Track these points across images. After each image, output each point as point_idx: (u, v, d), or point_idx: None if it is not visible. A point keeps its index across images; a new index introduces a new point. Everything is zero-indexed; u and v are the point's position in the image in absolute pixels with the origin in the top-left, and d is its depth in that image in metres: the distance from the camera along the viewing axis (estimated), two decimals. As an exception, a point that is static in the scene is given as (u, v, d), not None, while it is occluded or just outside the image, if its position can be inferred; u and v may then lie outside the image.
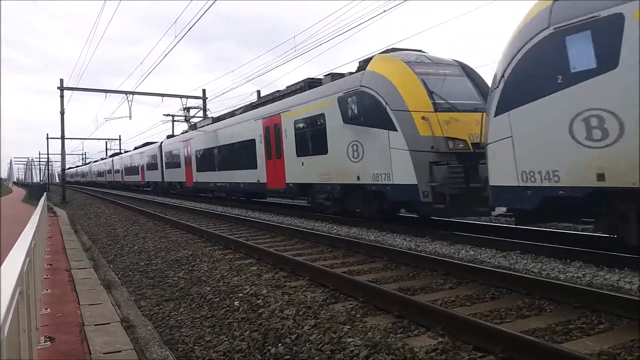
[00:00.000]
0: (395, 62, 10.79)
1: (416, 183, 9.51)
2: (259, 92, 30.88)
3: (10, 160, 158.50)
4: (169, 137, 31.42)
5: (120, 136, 70.04)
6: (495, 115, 7.37)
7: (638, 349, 3.85)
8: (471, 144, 9.45)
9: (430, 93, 10.03)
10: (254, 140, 16.70)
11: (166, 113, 37.05)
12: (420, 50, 11.97)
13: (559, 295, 5.16)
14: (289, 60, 21.17)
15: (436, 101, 9.95)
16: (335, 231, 11.23)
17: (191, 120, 33.45)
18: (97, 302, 5.86)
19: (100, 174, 57.82)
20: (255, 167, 16.67)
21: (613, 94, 5.83)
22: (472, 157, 9.22)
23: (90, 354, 4.10)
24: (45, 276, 7.17)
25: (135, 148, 39.58)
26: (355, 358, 3.99)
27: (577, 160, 6.31)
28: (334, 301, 5.65)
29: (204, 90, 34.33)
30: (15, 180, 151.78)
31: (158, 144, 31.44)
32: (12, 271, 2.77)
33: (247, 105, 19.37)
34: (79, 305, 5.70)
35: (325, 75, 13.40)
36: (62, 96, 30.58)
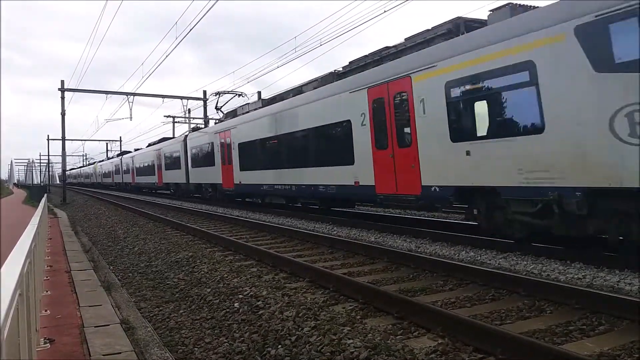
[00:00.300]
0: None
1: None
2: (259, 93, 30.95)
3: (11, 162, 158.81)
4: (194, 129, 26.83)
5: (121, 137, 70.15)
6: None
7: (638, 350, 3.85)
8: None
9: None
10: (348, 122, 11.70)
11: (167, 114, 36.78)
12: None
13: (559, 296, 5.17)
14: (289, 61, 20.89)
15: None
16: (335, 232, 11.23)
17: (193, 120, 33.34)
18: (97, 303, 5.86)
19: (106, 174, 53.59)
20: (351, 163, 11.65)
21: None
22: None
23: (90, 355, 4.10)
24: (45, 278, 7.18)
25: (149, 145, 35.39)
26: None
27: None
28: (334, 302, 5.65)
29: (204, 92, 34.41)
30: (15, 181, 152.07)
31: (181, 138, 26.72)
32: (12, 273, 2.77)
33: (326, 75, 13.72)
34: (79, 306, 5.70)
35: (492, 10, 8.42)
36: (63, 97, 30.66)
